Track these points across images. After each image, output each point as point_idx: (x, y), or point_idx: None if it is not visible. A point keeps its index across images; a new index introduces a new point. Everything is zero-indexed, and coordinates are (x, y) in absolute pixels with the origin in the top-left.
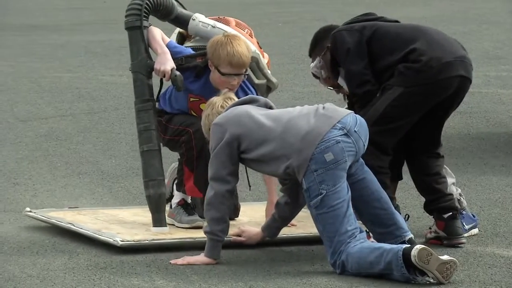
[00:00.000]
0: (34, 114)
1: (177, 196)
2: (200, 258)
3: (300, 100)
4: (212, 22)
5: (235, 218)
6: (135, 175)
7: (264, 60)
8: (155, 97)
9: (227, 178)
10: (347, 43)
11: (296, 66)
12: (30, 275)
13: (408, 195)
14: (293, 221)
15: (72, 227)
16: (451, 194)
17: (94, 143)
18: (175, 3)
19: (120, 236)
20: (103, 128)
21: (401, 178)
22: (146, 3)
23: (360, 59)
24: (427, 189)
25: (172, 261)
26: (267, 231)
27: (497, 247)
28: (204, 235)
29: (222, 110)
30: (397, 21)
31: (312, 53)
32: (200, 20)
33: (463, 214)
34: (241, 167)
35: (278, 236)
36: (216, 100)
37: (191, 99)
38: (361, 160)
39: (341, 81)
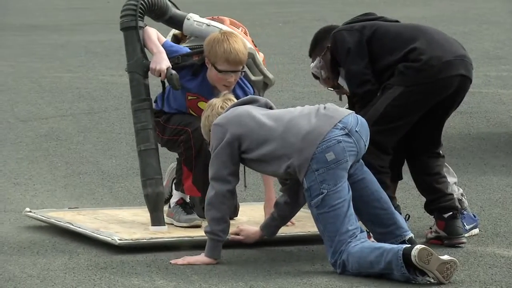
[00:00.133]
0: (34, 114)
1: (176, 196)
2: (201, 258)
3: (300, 100)
4: (206, 21)
5: (234, 218)
6: (136, 175)
7: (260, 57)
8: (159, 98)
9: (228, 178)
10: (348, 43)
11: (297, 66)
12: (31, 275)
13: (408, 195)
14: (292, 220)
15: (71, 226)
16: (452, 194)
17: (95, 143)
18: (169, 3)
19: (118, 235)
20: (104, 128)
21: (401, 178)
22: (141, 3)
23: (361, 59)
24: (428, 189)
25: (173, 261)
26: (266, 230)
27: (497, 247)
28: (202, 234)
29: (222, 111)
30: (397, 21)
31: (312, 53)
32: (195, 19)
33: (464, 214)
34: (240, 167)
35: (277, 235)
36: (216, 101)
37: (189, 98)
38: (361, 160)
39: (341, 81)
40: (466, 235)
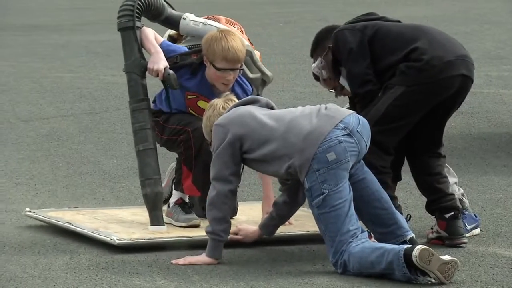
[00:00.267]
0: (35, 114)
1: (175, 195)
2: (202, 258)
3: (301, 100)
4: (203, 20)
5: (233, 217)
6: (137, 175)
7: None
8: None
9: (230, 178)
10: (349, 42)
11: (298, 66)
12: (32, 275)
13: (409, 195)
14: (291, 220)
15: (71, 226)
16: (453, 194)
17: (96, 143)
18: (165, 4)
19: (117, 235)
20: (105, 128)
21: (400, 179)
22: (138, 4)
23: (362, 59)
24: (429, 189)
25: (174, 261)
26: (264, 229)
27: (498, 247)
28: (201, 234)
29: (223, 111)
30: (398, 21)
31: (314, 53)
32: (191, 19)
33: (465, 214)
34: None
35: (276, 234)
36: (217, 101)
37: (188, 97)
38: (362, 160)
39: (342, 81)
40: (467, 235)
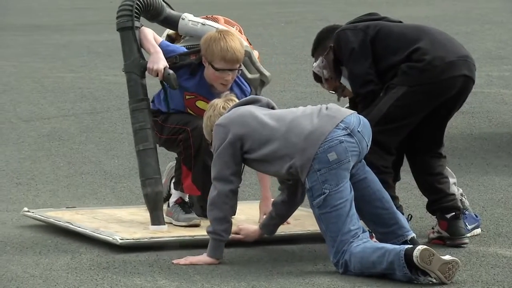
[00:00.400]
0: (36, 114)
1: (175, 195)
2: (203, 258)
3: (302, 100)
4: (201, 20)
5: (233, 216)
6: (138, 175)
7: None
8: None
9: (230, 178)
10: (352, 42)
11: (299, 66)
12: (33, 275)
13: (411, 195)
14: (289, 219)
15: (70, 226)
16: (454, 194)
17: (97, 143)
18: (164, 4)
19: (119, 234)
20: (106, 128)
21: (399, 179)
22: (137, 4)
23: (364, 59)
24: (430, 189)
25: (175, 261)
26: (265, 228)
27: (499, 247)
28: (203, 234)
29: (224, 111)
30: (400, 22)
31: (315, 52)
32: (190, 19)
33: (465, 214)
34: None
35: (276, 234)
36: (218, 101)
37: (187, 97)
38: (363, 160)
39: (344, 81)
40: (468, 235)
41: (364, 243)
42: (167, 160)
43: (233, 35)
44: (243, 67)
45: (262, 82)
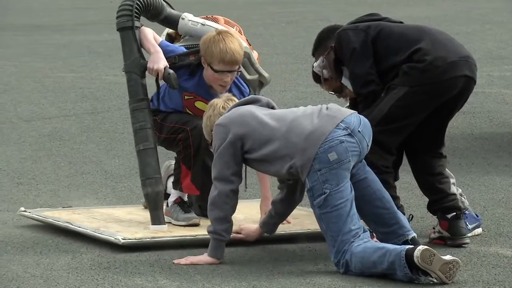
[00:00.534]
0: (37, 114)
1: (173, 195)
2: (204, 258)
3: (303, 100)
4: (201, 20)
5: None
6: (138, 175)
7: (254, 55)
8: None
9: (231, 178)
10: (353, 42)
11: (300, 66)
12: (34, 275)
13: (412, 195)
14: (288, 219)
15: (70, 226)
16: (454, 194)
17: (98, 143)
18: (164, 3)
19: (121, 234)
20: (107, 128)
21: (397, 179)
22: (137, 4)
23: (366, 59)
24: (430, 189)
25: (176, 261)
26: (265, 227)
27: (500, 247)
28: (204, 233)
29: (223, 111)
30: (401, 22)
31: (316, 52)
32: (190, 19)
33: (466, 213)
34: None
35: (277, 233)
36: (217, 101)
37: (186, 97)
38: (363, 160)
39: (344, 81)
40: (469, 234)
41: (365, 243)
42: (167, 160)
43: (232, 37)
44: (242, 68)
45: (261, 83)
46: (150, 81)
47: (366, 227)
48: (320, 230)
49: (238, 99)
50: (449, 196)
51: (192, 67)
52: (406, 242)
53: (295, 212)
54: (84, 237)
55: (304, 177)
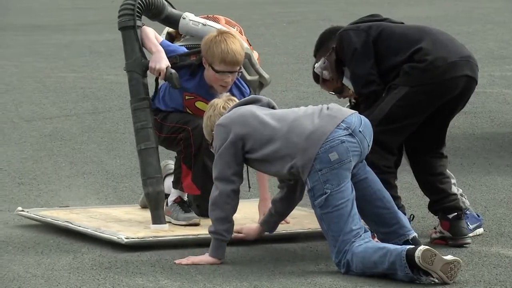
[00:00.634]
0: (38, 114)
1: (173, 194)
2: (205, 258)
3: (304, 100)
4: (202, 20)
5: None
6: (139, 175)
7: (255, 56)
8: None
9: (232, 178)
10: (354, 43)
11: (301, 66)
12: (35, 275)
13: (413, 195)
14: (287, 219)
15: (70, 225)
16: (455, 194)
17: (99, 143)
18: (166, 2)
19: (123, 233)
20: (108, 128)
21: (395, 179)
22: (139, 3)
23: (367, 59)
24: (431, 189)
25: (177, 261)
26: (266, 225)
27: (502, 247)
28: (205, 232)
29: (224, 111)
30: (402, 23)
31: (317, 53)
32: (191, 18)
33: (467, 214)
34: (244, 167)
35: (277, 232)
36: (218, 101)
37: (187, 97)
38: (364, 160)
39: (345, 81)
40: (471, 234)
41: (366, 243)
42: (168, 159)
43: (233, 37)
44: (242, 69)
45: (261, 84)
46: (150, 81)
47: (367, 227)
48: (320, 229)
49: (239, 100)
50: (450, 196)
51: (193, 67)
52: (407, 242)
53: (294, 212)
54: (85, 237)
55: (305, 177)
